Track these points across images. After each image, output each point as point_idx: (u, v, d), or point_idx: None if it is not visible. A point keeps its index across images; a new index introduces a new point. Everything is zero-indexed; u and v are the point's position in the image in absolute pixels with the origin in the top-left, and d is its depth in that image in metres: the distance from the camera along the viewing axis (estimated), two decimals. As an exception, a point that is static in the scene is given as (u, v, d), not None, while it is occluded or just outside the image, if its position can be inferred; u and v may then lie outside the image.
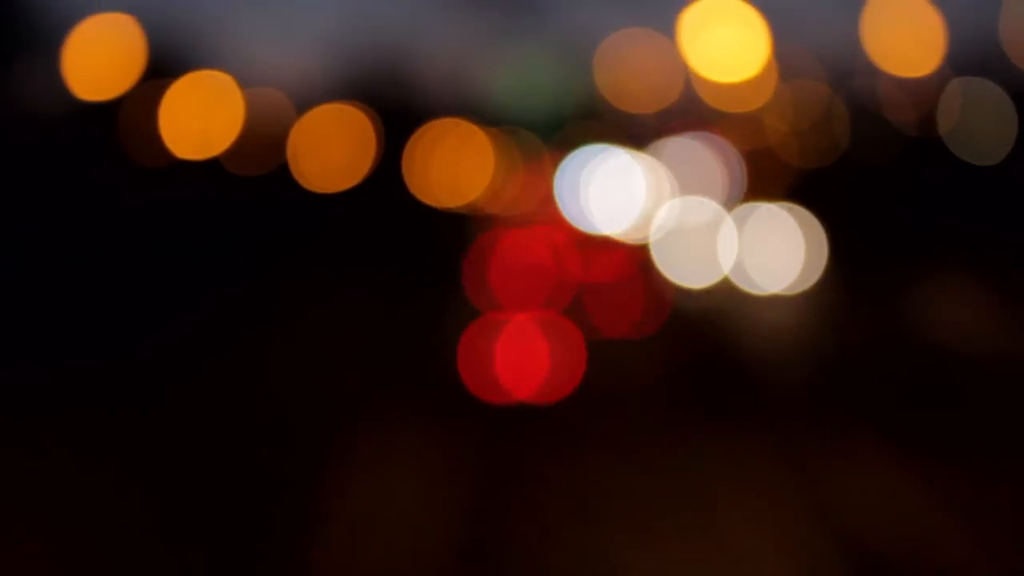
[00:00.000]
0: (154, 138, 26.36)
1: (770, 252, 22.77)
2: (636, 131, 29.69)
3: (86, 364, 16.17)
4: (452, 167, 30.46)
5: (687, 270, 22.25)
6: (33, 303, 19.05)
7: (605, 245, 25.16)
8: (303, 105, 29.60)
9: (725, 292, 21.54)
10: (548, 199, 28.55)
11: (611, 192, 27.46)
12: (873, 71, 27.24)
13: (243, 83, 27.97)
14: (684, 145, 28.88)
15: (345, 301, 20.99)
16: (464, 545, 10.57)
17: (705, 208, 23.95)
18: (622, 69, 29.54)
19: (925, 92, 26.85)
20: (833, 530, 10.73)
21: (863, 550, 10.21)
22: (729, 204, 25.96)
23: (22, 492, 11.39)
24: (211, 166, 27.18)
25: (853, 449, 13.03)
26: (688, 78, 28.34)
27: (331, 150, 29.66)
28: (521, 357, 18.71)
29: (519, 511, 11.35)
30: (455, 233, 26.63)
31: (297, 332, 18.92)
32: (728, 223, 23.15)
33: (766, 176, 27.67)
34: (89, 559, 9.97)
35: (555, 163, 29.81)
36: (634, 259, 23.79)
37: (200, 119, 27.44)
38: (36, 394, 14.68)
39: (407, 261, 23.83)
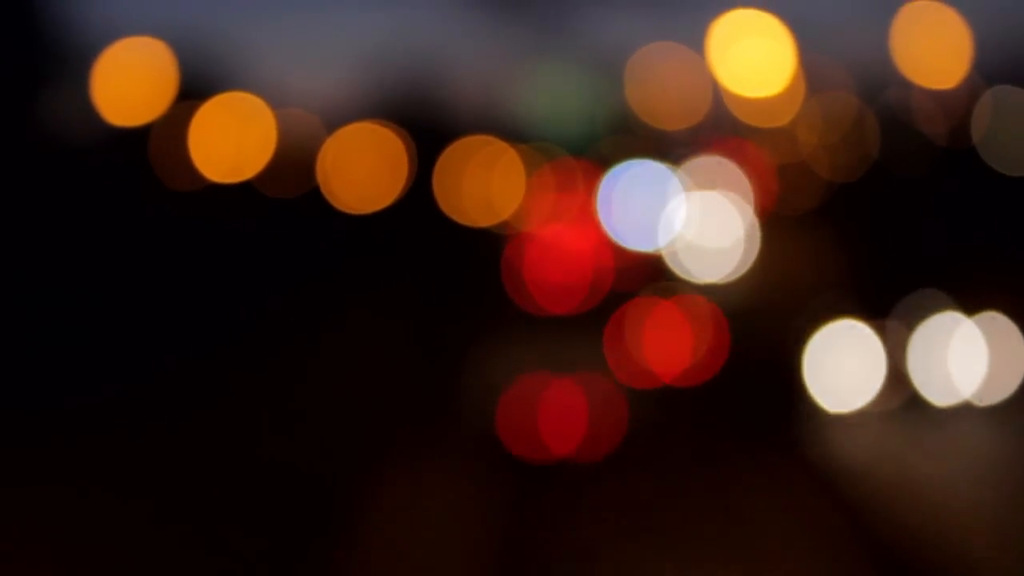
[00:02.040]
0: (186, 162, 26.42)
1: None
2: (667, 146, 29.64)
3: (119, 384, 16.25)
4: (484, 185, 30.46)
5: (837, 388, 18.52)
6: (69, 326, 19.14)
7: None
8: (334, 125, 29.64)
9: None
10: (581, 215, 28.51)
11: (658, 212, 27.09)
12: (903, 82, 27.13)
13: (273, 104, 28.02)
14: (715, 160, 28.81)
15: (379, 321, 21.01)
16: (497, 562, 10.57)
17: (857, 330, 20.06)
18: (652, 84, 29.49)
19: (956, 103, 26.73)
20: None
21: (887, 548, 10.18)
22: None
23: (58, 493, 11.46)
24: (243, 189, 27.23)
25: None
26: (717, 92, 28.28)
27: (363, 170, 29.69)
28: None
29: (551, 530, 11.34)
30: (488, 251, 26.64)
31: (332, 352, 18.95)
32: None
33: (798, 190, 27.58)
34: (122, 566, 10.02)
35: (586, 179, 29.77)
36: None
37: (231, 142, 27.49)
38: (76, 410, 14.77)
39: (441, 280, 23.84)
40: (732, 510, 11.75)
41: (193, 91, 27.01)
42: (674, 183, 28.27)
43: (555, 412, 15.41)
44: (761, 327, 20.12)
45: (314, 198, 28.39)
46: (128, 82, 25.80)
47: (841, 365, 17.88)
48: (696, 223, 26.88)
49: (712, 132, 29.22)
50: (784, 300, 21.55)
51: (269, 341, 19.53)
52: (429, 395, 16.84)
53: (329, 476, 12.85)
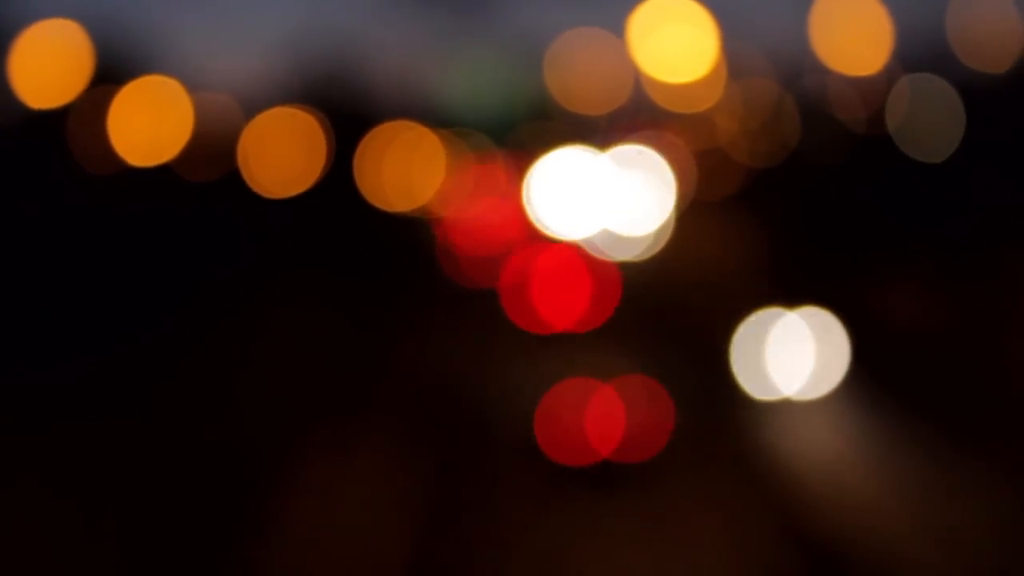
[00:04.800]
0: (104, 145, 26.18)
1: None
2: (587, 132, 29.68)
3: (33, 373, 16.03)
4: (404, 170, 30.38)
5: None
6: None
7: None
8: (252, 110, 29.46)
9: None
10: (502, 200, 28.52)
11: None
12: (822, 69, 27.31)
13: (191, 88, 27.82)
14: (637, 146, 28.90)
15: (298, 305, 20.90)
16: (421, 551, 10.54)
17: None
18: (572, 70, 29.54)
19: (874, 90, 26.93)
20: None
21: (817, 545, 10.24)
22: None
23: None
24: (161, 172, 27.02)
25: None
26: (638, 79, 28.36)
27: (282, 155, 29.54)
28: None
29: (475, 516, 11.32)
30: (407, 236, 26.58)
31: (250, 335, 18.83)
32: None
33: (717, 175, 27.72)
34: (49, 563, 9.91)
35: (507, 164, 29.79)
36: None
37: (149, 125, 27.27)
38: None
39: (359, 264, 23.77)
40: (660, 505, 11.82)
41: (111, 75, 26.78)
42: (598, 170, 28.32)
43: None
44: (686, 314, 20.23)
45: (233, 181, 28.21)
46: (45, 64, 25.56)
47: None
48: (618, 209, 26.92)
49: (633, 117, 29.31)
50: (705, 286, 21.65)
51: (185, 324, 19.37)
52: (349, 379, 16.77)
53: (249, 462, 12.77)
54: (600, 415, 14.02)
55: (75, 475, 12.12)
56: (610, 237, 25.99)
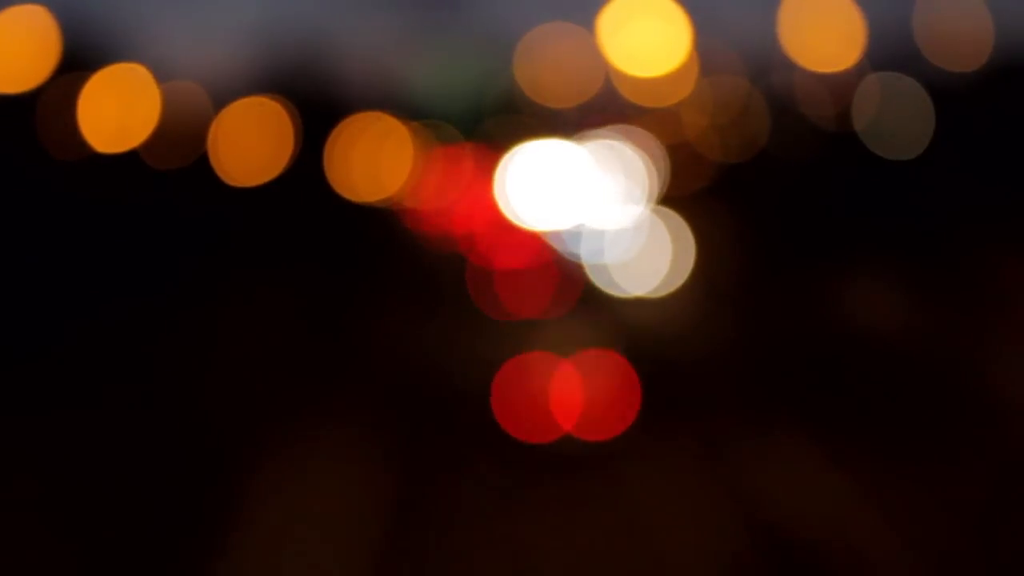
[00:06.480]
0: (71, 130, 26.13)
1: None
2: (557, 125, 29.73)
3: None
4: (373, 161, 30.38)
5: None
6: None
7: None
8: (222, 99, 29.43)
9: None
10: (469, 192, 28.56)
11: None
12: (791, 66, 27.42)
13: (160, 77, 27.79)
14: (604, 140, 28.94)
15: (264, 293, 20.86)
16: (387, 543, 10.54)
17: None
18: (542, 64, 29.59)
19: (843, 87, 27.04)
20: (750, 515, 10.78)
21: (779, 534, 10.28)
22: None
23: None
24: (129, 160, 26.97)
25: (770, 436, 13.11)
26: (608, 73, 28.42)
27: (250, 144, 29.51)
28: None
29: (441, 507, 11.33)
30: (374, 227, 26.57)
31: (215, 324, 18.78)
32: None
33: (686, 170, 27.77)
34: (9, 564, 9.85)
35: (476, 156, 29.81)
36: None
37: (117, 112, 27.23)
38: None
39: (326, 253, 23.75)
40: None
41: (79, 62, 26.74)
42: (567, 162, 28.36)
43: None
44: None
45: (200, 169, 28.18)
46: (11, 50, 25.52)
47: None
48: (588, 201, 26.93)
49: (602, 111, 29.37)
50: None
51: (151, 314, 19.31)
52: (316, 369, 16.74)
53: (215, 455, 12.74)
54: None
55: (33, 472, 12.06)
56: (583, 231, 26.00)
